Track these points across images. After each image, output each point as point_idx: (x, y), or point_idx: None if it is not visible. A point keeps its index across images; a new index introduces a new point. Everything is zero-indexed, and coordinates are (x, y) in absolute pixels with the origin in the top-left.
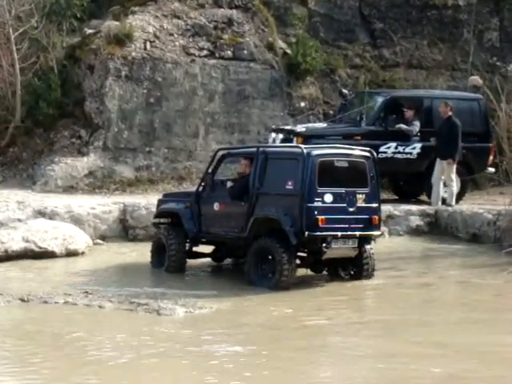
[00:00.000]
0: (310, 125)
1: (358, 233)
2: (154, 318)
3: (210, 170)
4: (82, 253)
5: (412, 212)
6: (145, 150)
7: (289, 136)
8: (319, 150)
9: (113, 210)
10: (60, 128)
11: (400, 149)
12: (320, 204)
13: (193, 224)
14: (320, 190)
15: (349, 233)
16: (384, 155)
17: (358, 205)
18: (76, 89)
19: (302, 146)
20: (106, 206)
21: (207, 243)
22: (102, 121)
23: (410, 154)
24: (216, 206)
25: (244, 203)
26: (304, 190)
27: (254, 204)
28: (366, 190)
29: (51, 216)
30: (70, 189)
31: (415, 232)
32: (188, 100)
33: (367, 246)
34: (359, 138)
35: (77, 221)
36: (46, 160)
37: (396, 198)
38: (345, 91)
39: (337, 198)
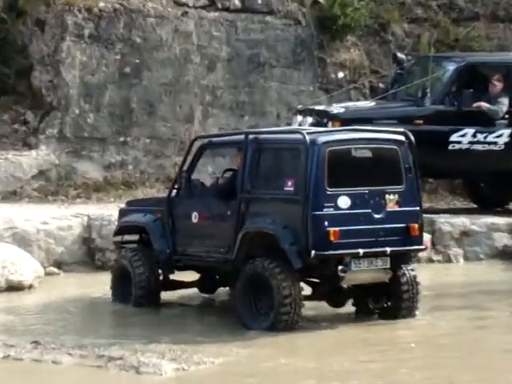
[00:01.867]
0: (351, 104)
1: (389, 249)
2: (132, 379)
3: (185, 168)
4: (30, 286)
5: (497, 227)
6: (118, 141)
7: (321, 120)
8: (328, 136)
9: (73, 226)
10: None
11: (480, 137)
12: (332, 211)
13: (165, 243)
14: (331, 191)
15: (376, 249)
16: (457, 146)
17: (389, 209)
18: (19, 54)
19: (305, 129)
20: (62, 219)
21: (186, 268)
22: (58, 99)
23: (495, 144)
24: (195, 217)
25: (230, 212)
26: (308, 192)
27: (243, 213)
28: (400, 188)
29: None
30: (11, 196)
31: (502, 255)
32: (179, 70)
33: (406, 268)
34: (421, 121)
35: (21, 241)
36: None
37: (474, 206)
38: (401, 56)
39: (357, 201)
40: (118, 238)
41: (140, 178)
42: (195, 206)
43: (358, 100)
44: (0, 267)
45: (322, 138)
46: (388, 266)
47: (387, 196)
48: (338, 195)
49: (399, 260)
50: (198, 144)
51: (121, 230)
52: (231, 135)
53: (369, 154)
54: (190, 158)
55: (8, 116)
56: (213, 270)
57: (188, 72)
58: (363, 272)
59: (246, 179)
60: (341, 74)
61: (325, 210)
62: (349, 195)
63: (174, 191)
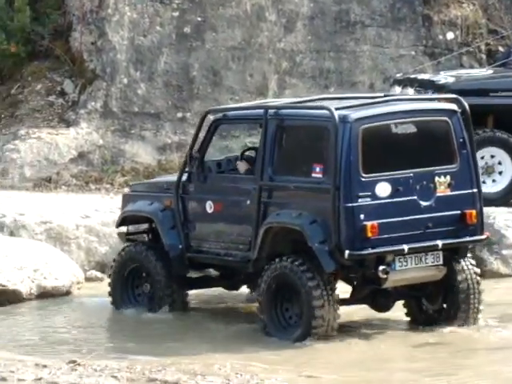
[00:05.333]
0: (463, 72)
1: (440, 242)
2: None
3: (196, 147)
4: (67, 293)
5: None
6: (175, 117)
7: (425, 91)
8: (362, 110)
9: None
10: (28, 78)
11: None
12: (369, 201)
13: (176, 237)
14: (367, 177)
15: (424, 244)
16: None
17: (439, 194)
18: (56, 10)
19: (333, 104)
20: (107, 212)
21: (201, 267)
22: (102, 66)
23: None
24: (209, 207)
25: (250, 201)
26: (339, 180)
27: (264, 204)
28: (453, 168)
29: (13, 230)
30: (45, 183)
31: None
32: (250, 30)
33: (464, 263)
34: None
35: (57, 239)
36: (3, 134)
37: None
38: None
39: (399, 187)
40: (123, 229)
41: None
42: (210, 194)
43: (471, 67)
44: (31, 270)
45: (355, 114)
46: (440, 262)
47: (437, 178)
48: (376, 182)
49: (454, 254)
50: (210, 119)
51: (124, 220)
52: (249, 108)
53: (413, 128)
54: (202, 136)
55: (41, 86)
56: (233, 269)
57: (261, 33)
58: (410, 271)
59: (267, 163)
60: (450, 35)
61: (360, 200)
62: (389, 181)
63: (185, 176)
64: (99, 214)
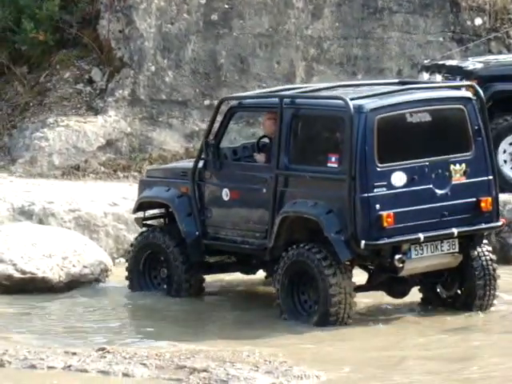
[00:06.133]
0: (491, 58)
1: (456, 230)
2: None
3: (211, 136)
4: (95, 281)
5: None
6: (203, 105)
7: (453, 78)
8: (377, 100)
9: None
10: (57, 66)
11: None
12: (384, 191)
13: (192, 224)
14: (383, 167)
15: (440, 232)
16: None
17: (455, 182)
18: None
19: (348, 93)
20: (135, 200)
21: (218, 253)
22: (130, 53)
23: None
24: (225, 195)
25: (266, 190)
26: (355, 169)
27: (280, 193)
28: (468, 156)
29: (42, 218)
30: (73, 171)
31: None
32: (277, 17)
33: (480, 250)
34: None
35: (86, 227)
36: (32, 122)
37: None
38: None
39: (414, 176)
40: (140, 215)
41: None
42: (226, 182)
43: (499, 53)
44: (60, 258)
45: (370, 104)
46: (456, 249)
47: (452, 166)
48: (392, 171)
49: (470, 241)
50: (225, 106)
51: (141, 206)
52: (265, 97)
53: (428, 117)
54: (217, 124)
55: (69, 74)
56: (250, 255)
57: (288, 20)
58: (426, 259)
59: (283, 152)
60: (478, 21)
61: (376, 190)
62: (404, 170)
63: (201, 163)
64: (127, 202)
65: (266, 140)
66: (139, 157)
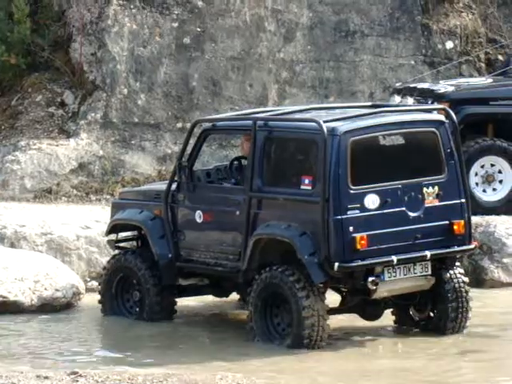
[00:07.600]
0: (462, 81)
1: (429, 252)
2: None
3: (184, 158)
4: (67, 305)
5: None
6: (175, 127)
7: (425, 100)
8: (351, 122)
9: None
10: (29, 89)
11: None
12: (357, 213)
13: (165, 246)
14: (356, 189)
15: (413, 255)
16: None
17: (427, 205)
18: (56, 21)
19: (321, 116)
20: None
21: (190, 276)
22: (102, 76)
23: None
24: (199, 217)
25: (239, 212)
26: (329, 191)
27: (253, 215)
28: (441, 179)
29: (14, 241)
30: (45, 194)
31: None
32: (249, 40)
33: (453, 272)
34: None
35: (58, 250)
36: (4, 145)
37: None
38: None
39: (387, 198)
40: (112, 237)
41: None
42: (199, 204)
43: (470, 76)
44: (31, 282)
45: (343, 127)
46: (429, 272)
47: (425, 189)
48: (365, 194)
49: (443, 264)
50: (199, 129)
51: (114, 228)
52: (239, 119)
53: (401, 140)
54: (190, 146)
55: (42, 97)
56: (223, 278)
57: (260, 43)
58: (399, 281)
59: (256, 174)
60: (450, 44)
61: (349, 212)
62: (378, 192)
63: (174, 185)
64: (100, 225)
65: (243, 161)
66: (112, 180)
